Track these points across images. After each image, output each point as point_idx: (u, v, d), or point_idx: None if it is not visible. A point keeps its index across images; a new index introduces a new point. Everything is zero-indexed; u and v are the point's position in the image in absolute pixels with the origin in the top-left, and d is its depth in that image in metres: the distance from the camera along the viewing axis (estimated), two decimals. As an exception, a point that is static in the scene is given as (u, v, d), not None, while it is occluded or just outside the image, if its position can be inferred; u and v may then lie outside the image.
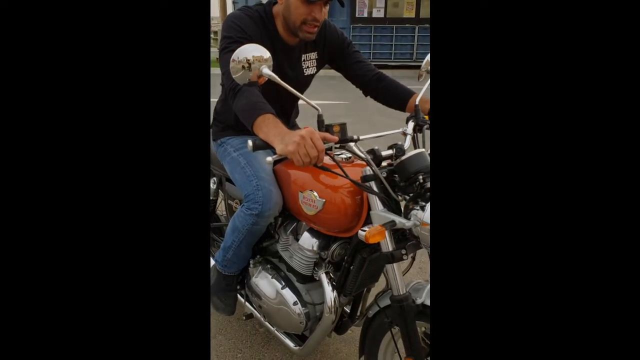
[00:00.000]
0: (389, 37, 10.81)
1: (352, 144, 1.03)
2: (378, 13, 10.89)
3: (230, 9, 11.75)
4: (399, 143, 1.12)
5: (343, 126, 1.00)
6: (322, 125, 1.00)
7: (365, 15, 10.93)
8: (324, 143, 0.95)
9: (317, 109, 1.00)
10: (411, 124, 1.22)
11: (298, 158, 0.90)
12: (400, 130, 1.21)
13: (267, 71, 0.94)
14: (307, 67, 1.44)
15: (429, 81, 1.32)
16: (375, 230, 0.97)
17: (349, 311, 1.43)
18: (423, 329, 1.19)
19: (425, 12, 10.72)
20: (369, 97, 1.51)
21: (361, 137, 1.06)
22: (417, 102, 1.25)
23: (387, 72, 1.49)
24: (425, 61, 1.34)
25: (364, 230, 0.97)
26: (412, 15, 10.81)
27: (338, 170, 1.03)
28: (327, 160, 1.07)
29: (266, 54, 0.94)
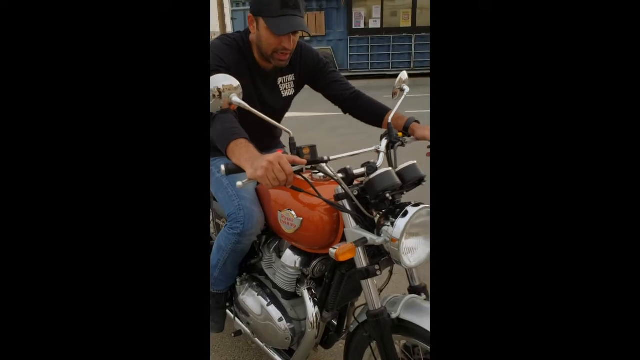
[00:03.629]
0: (387, 47, 10.92)
1: (323, 164, 1.07)
2: (375, 24, 11.01)
3: (229, 25, 11.94)
4: (372, 161, 1.15)
5: (313, 148, 1.03)
6: (293, 148, 1.03)
7: (362, 26, 11.05)
8: (294, 166, 0.98)
9: (288, 132, 1.04)
10: (384, 142, 1.26)
11: (267, 182, 0.94)
12: (373, 148, 1.25)
13: (236, 99, 0.98)
14: (285, 89, 1.49)
15: (402, 99, 1.36)
16: (345, 248, 1.00)
17: (336, 324, 1.46)
18: (404, 342, 1.21)
19: (421, 20, 10.83)
20: (348, 114, 1.55)
21: (332, 157, 1.10)
22: (389, 120, 1.29)
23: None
24: (398, 79, 1.37)
25: (335, 248, 1.00)
26: (409, 24, 10.92)
27: (312, 190, 1.07)
28: (306, 177, 1.11)
29: (235, 82, 0.99)
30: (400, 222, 1.00)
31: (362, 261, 1.08)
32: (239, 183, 0.95)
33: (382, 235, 1.04)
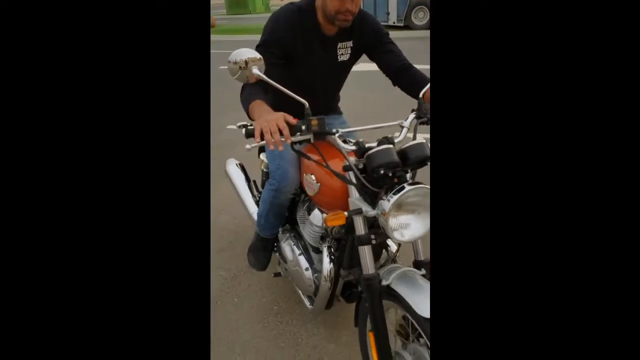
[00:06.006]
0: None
1: (335, 136, 1.15)
2: None
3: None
4: (390, 136, 1.19)
5: (321, 120, 1.12)
6: (306, 119, 1.13)
7: None
8: (300, 134, 1.09)
9: (304, 103, 1.14)
10: (411, 116, 1.26)
11: (259, 129, 1.06)
12: (397, 122, 1.26)
13: (256, 71, 1.10)
14: (342, 53, 1.54)
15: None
16: (334, 216, 1.09)
17: None
18: (401, 313, 1.27)
19: None
20: (397, 87, 1.55)
21: (343, 130, 1.16)
22: (421, 95, 1.28)
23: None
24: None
25: (326, 214, 1.10)
26: None
27: (322, 160, 1.16)
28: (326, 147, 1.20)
29: (257, 55, 1.11)
30: (392, 198, 1.05)
31: (360, 229, 1.16)
32: (248, 146, 1.10)
33: (377, 208, 1.10)
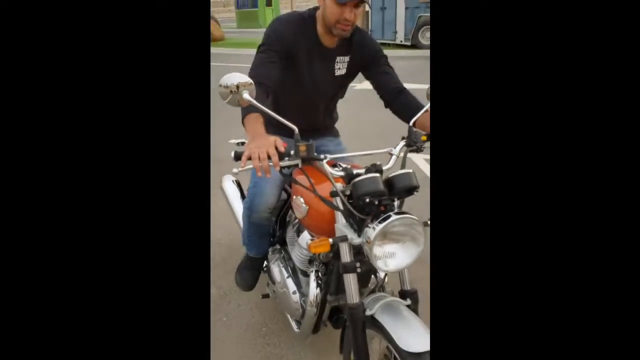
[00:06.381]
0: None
1: (323, 162, 1.15)
2: None
3: None
4: (378, 163, 1.18)
5: (310, 146, 1.11)
6: (294, 143, 1.13)
7: None
8: (288, 159, 1.09)
9: (293, 128, 1.14)
10: (401, 144, 1.26)
11: (247, 155, 1.05)
12: (387, 150, 1.26)
13: (247, 96, 1.10)
14: (339, 68, 1.54)
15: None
16: (319, 242, 1.08)
17: None
18: (385, 343, 1.25)
19: None
20: (388, 109, 1.55)
21: (331, 157, 1.16)
22: (411, 123, 1.27)
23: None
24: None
25: (312, 240, 1.09)
26: None
27: (311, 184, 1.15)
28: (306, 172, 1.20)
29: (249, 80, 1.11)
30: (377, 227, 1.03)
31: (346, 256, 1.14)
32: (235, 170, 1.10)
33: (362, 236, 1.08)
